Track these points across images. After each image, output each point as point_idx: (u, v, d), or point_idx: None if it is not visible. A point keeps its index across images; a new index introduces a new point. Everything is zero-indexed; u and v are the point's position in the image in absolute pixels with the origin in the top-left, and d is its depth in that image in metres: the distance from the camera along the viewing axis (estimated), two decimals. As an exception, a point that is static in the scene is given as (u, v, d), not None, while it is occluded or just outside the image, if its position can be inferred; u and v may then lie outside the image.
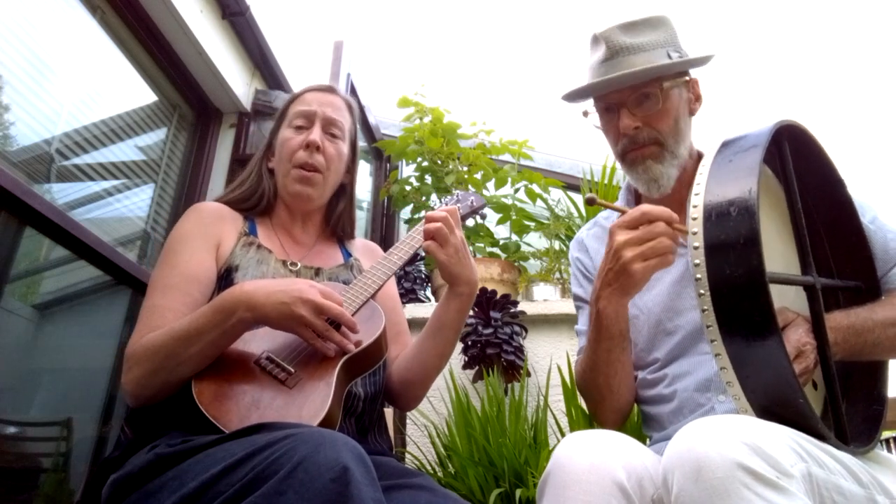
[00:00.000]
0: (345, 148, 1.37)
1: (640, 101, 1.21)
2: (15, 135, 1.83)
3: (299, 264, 1.27)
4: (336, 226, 1.43)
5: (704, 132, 1.31)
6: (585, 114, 1.30)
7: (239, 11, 2.51)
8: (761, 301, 0.84)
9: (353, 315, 1.10)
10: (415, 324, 2.25)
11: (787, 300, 1.01)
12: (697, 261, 0.89)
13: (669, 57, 1.20)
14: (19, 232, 1.70)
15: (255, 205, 1.34)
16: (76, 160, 2.07)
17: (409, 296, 2.74)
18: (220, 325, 1.01)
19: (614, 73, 1.19)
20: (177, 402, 1.03)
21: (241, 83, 2.68)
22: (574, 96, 1.29)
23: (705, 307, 0.88)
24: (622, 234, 1.03)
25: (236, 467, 0.78)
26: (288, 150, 1.32)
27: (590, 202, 1.11)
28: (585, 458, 0.89)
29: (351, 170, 1.42)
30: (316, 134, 1.31)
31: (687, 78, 1.26)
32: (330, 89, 1.41)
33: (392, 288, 1.44)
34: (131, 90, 2.32)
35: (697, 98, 1.29)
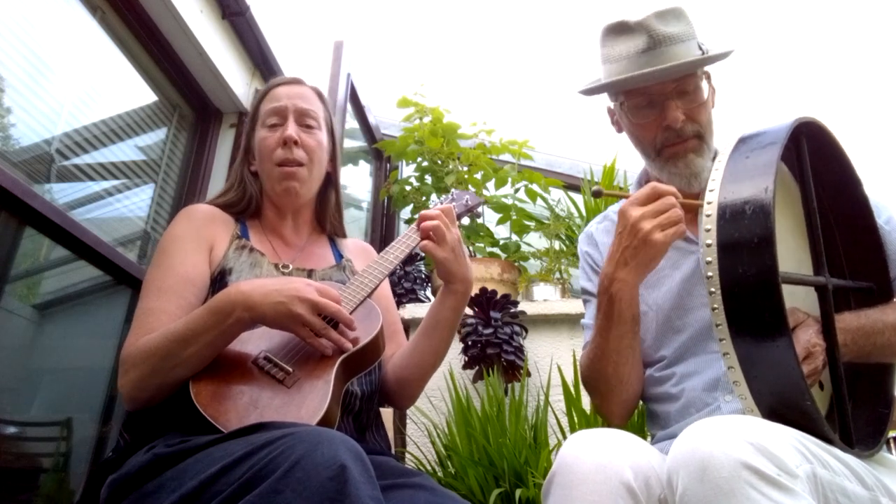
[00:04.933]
0: (323, 137, 1.35)
1: (681, 94, 1.20)
2: (15, 135, 1.83)
3: (291, 266, 1.26)
4: (325, 219, 1.42)
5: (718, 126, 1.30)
6: (621, 106, 1.25)
7: (239, 11, 2.51)
8: (773, 301, 0.83)
9: (350, 314, 1.09)
10: (415, 324, 2.25)
11: (798, 299, 1.00)
12: (710, 258, 0.89)
13: (700, 48, 1.19)
14: (19, 232, 1.69)
15: (244, 209, 1.34)
16: (76, 160, 2.07)
17: (409, 296, 2.74)
18: (217, 326, 1.01)
19: (664, 64, 1.16)
20: (174, 405, 1.02)
21: (241, 83, 2.67)
22: (611, 87, 1.24)
23: (715, 305, 0.87)
24: (636, 210, 1.04)
25: (234, 467, 0.78)
26: (266, 149, 1.30)
27: (596, 194, 1.12)
28: (592, 458, 0.89)
29: (333, 158, 1.41)
30: (291, 129, 1.29)
31: (706, 70, 1.25)
32: (297, 81, 1.39)
33: (386, 288, 1.43)
34: (131, 90, 2.32)
35: (714, 89, 1.28)
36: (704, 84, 1.22)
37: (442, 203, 1.36)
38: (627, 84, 1.20)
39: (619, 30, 1.22)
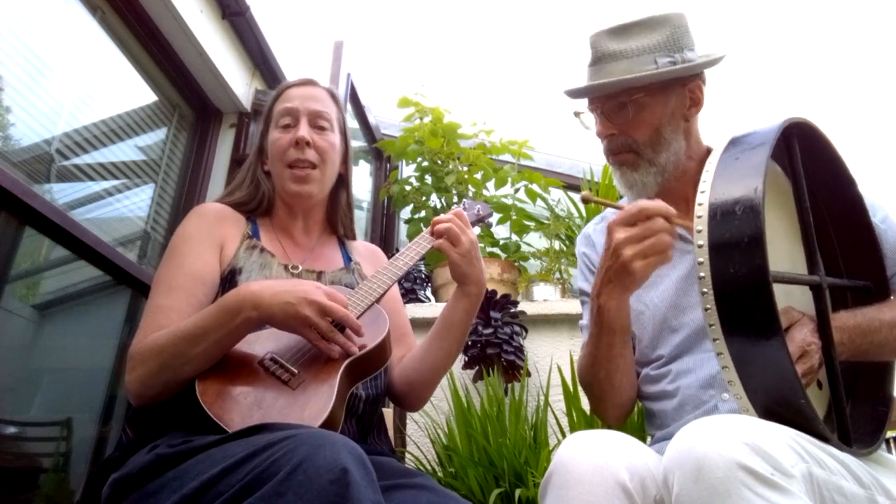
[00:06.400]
0: (336, 139, 1.36)
1: (617, 109, 1.21)
2: (15, 135, 1.83)
3: (300, 268, 1.27)
4: (337, 220, 1.42)
5: (714, 127, 1.29)
6: (577, 114, 1.31)
7: (239, 11, 2.51)
8: (764, 301, 0.83)
9: (357, 318, 1.10)
10: (415, 324, 2.24)
11: (794, 299, 1.01)
12: (701, 259, 0.89)
13: (656, 63, 1.19)
14: (19, 232, 1.69)
15: (255, 208, 1.34)
16: (76, 160, 2.07)
17: (409, 296, 2.74)
18: (225, 325, 1.02)
19: (590, 83, 1.21)
20: (179, 402, 1.03)
21: (241, 83, 2.67)
22: (568, 95, 1.29)
23: (708, 306, 0.88)
24: (621, 232, 1.02)
25: (236, 468, 0.78)
26: (278, 150, 1.31)
27: (585, 200, 1.13)
28: (588, 459, 0.90)
29: (346, 160, 1.42)
30: (303, 130, 1.30)
31: (683, 82, 1.22)
32: (310, 82, 1.40)
33: (395, 292, 1.44)
34: (131, 90, 2.32)
35: (695, 103, 1.25)
36: (660, 100, 1.21)
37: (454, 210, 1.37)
38: (567, 94, 1.27)
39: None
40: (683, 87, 1.23)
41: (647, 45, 1.20)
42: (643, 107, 1.20)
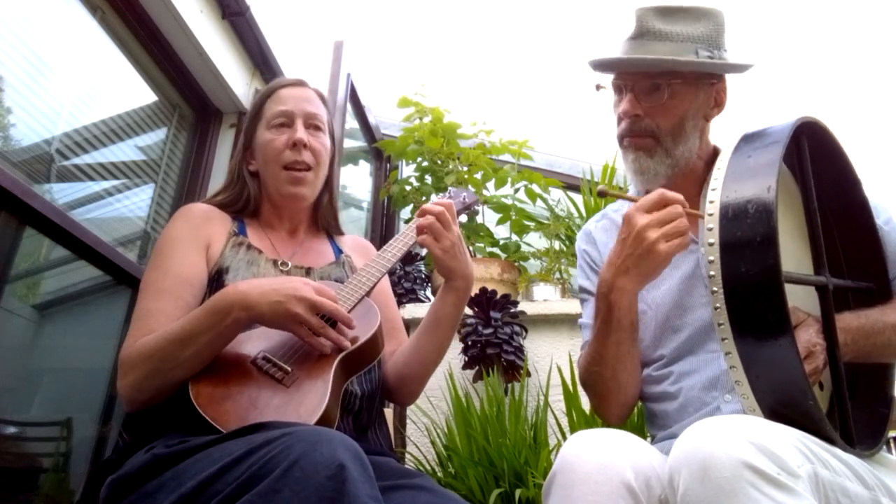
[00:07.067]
0: (327, 141, 1.36)
1: (649, 91, 1.18)
2: (15, 135, 1.83)
3: (290, 264, 1.26)
4: (321, 218, 1.42)
5: (723, 127, 1.29)
6: (599, 87, 1.28)
7: (239, 11, 2.51)
8: (775, 301, 0.83)
9: (348, 312, 1.09)
10: (415, 324, 2.25)
11: (797, 299, 1.00)
12: (712, 257, 0.88)
13: (696, 54, 1.17)
14: (19, 232, 1.69)
15: (242, 208, 1.33)
16: (76, 160, 2.07)
17: (409, 296, 2.74)
18: (215, 327, 1.01)
19: (631, 56, 1.17)
20: (174, 405, 1.02)
21: (241, 83, 2.67)
22: (596, 66, 1.26)
23: (717, 305, 0.87)
24: (643, 218, 1.02)
25: (233, 466, 0.78)
26: (273, 151, 1.30)
27: (601, 194, 1.12)
28: (593, 458, 0.89)
29: (332, 160, 1.42)
30: (301, 132, 1.29)
31: (713, 81, 1.21)
32: (302, 83, 1.40)
33: (385, 285, 1.43)
34: (131, 90, 2.32)
35: (718, 104, 1.24)
36: (691, 92, 1.20)
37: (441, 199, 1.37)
38: (595, 64, 1.23)
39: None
40: (712, 87, 1.22)
41: (692, 34, 1.18)
42: (676, 94, 1.18)
